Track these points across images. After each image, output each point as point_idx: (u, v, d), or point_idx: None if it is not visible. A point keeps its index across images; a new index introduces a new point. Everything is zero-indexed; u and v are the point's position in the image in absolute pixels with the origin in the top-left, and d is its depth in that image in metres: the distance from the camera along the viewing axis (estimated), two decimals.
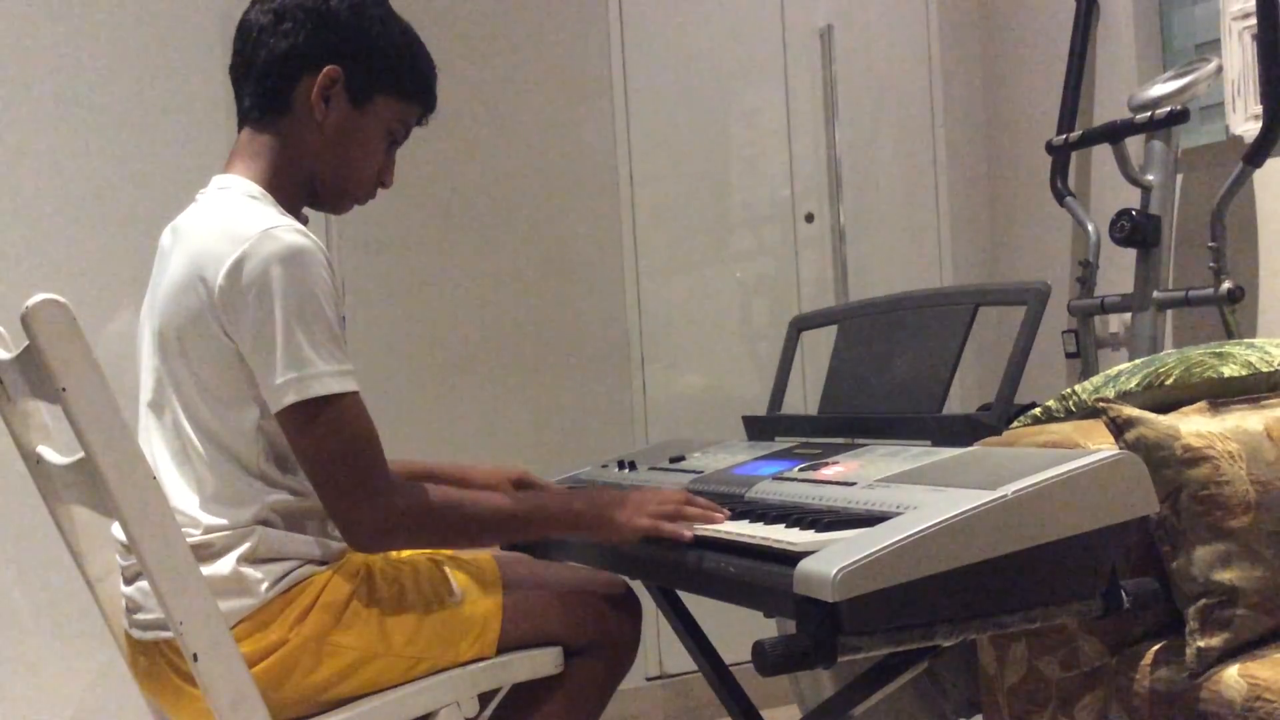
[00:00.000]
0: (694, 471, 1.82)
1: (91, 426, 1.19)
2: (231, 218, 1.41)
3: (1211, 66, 2.80)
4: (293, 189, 1.52)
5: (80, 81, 2.60)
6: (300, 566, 1.43)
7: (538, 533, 1.54)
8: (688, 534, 1.45)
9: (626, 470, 1.96)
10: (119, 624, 1.53)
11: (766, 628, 2.49)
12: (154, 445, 1.46)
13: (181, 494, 1.42)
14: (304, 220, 1.50)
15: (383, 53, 1.51)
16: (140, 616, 1.45)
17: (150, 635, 1.43)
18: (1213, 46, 2.92)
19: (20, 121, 2.55)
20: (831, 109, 3.35)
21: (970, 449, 1.60)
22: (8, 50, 2.53)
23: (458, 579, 1.51)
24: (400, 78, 1.54)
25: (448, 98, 1.63)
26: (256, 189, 1.48)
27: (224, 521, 1.40)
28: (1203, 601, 1.60)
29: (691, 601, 1.87)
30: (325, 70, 1.48)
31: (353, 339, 1.45)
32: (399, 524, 1.38)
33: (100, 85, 2.61)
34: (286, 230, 1.37)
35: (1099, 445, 1.68)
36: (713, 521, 1.46)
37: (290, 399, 1.34)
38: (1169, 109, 2.74)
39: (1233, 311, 2.69)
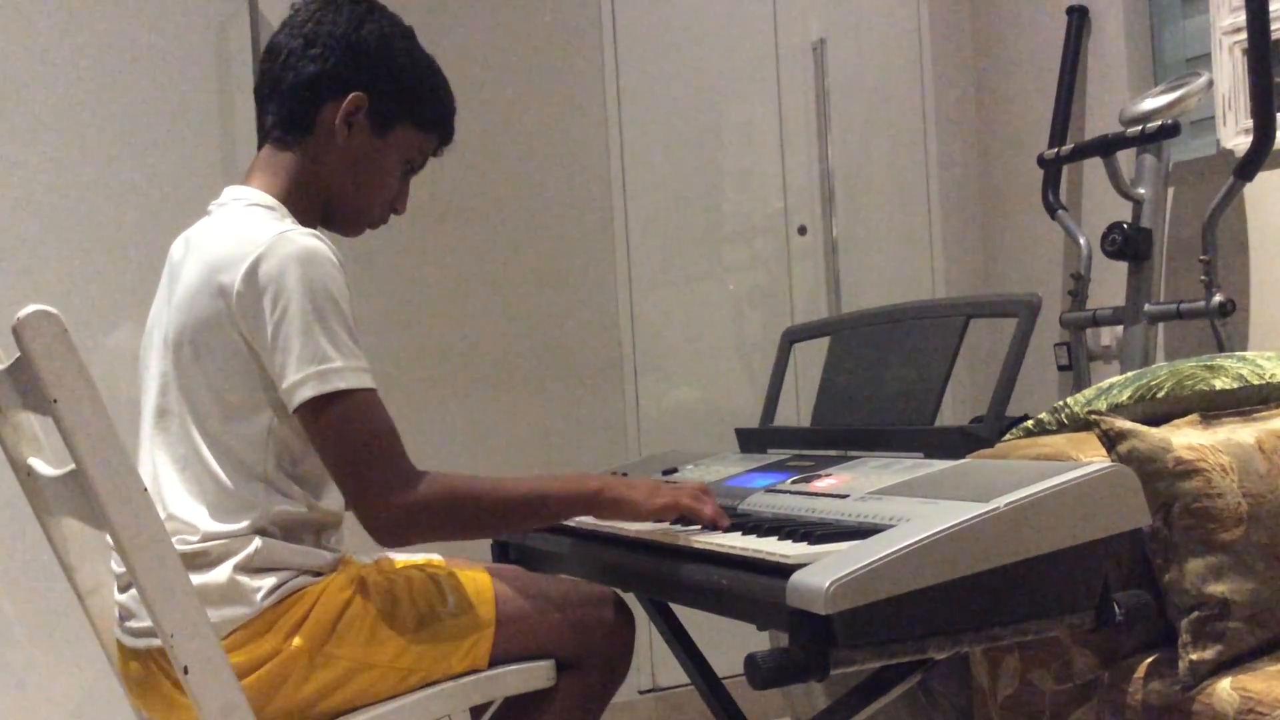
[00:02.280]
0: None
1: (83, 438, 1.18)
2: (246, 224, 1.44)
3: (1202, 81, 2.81)
4: (308, 207, 1.55)
5: (75, 94, 2.60)
6: (296, 577, 1.43)
7: (556, 515, 1.55)
8: (708, 511, 1.48)
9: None
10: (110, 636, 1.53)
11: (759, 641, 2.49)
12: (157, 453, 1.47)
13: (182, 501, 1.43)
14: None
15: (407, 84, 1.55)
16: (133, 624, 1.45)
17: (142, 643, 1.43)
18: (1203, 61, 2.94)
19: (16, 134, 2.55)
20: (824, 122, 3.36)
21: (962, 461, 1.60)
22: (4, 62, 2.53)
23: (451, 591, 1.51)
24: (421, 109, 1.57)
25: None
26: (272, 200, 1.51)
27: (223, 529, 1.41)
28: (1195, 614, 1.60)
29: (684, 614, 1.87)
30: (351, 96, 1.51)
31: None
32: (420, 516, 1.39)
33: (95, 97, 2.61)
34: (301, 234, 1.40)
35: (1091, 458, 1.68)
36: (718, 527, 1.48)
37: (309, 393, 1.35)
38: (1160, 123, 2.75)
39: (1224, 324, 2.70)
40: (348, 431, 1.37)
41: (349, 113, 1.51)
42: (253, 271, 1.37)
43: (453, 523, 1.43)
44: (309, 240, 1.39)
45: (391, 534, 1.39)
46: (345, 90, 1.51)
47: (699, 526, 1.51)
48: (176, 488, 1.44)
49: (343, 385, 1.36)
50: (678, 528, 1.53)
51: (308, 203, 1.54)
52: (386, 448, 1.38)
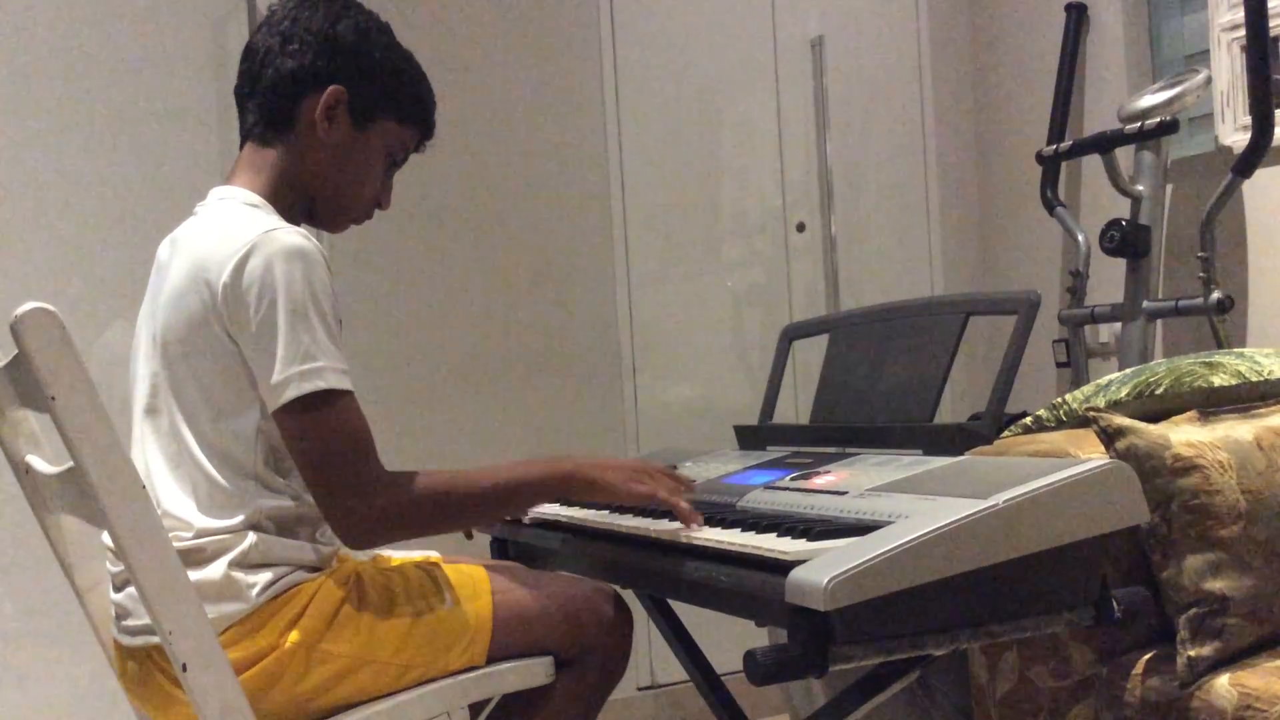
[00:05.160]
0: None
1: (81, 435, 1.18)
2: (232, 223, 1.44)
3: (1201, 77, 2.81)
4: (292, 203, 1.55)
5: (71, 92, 2.59)
6: (291, 573, 1.43)
7: (531, 501, 1.55)
8: (683, 504, 1.47)
9: None
10: (108, 634, 1.53)
11: (758, 637, 2.48)
12: (148, 451, 1.47)
13: (175, 498, 1.43)
14: None
15: (384, 77, 1.56)
16: (129, 623, 1.45)
17: (139, 641, 1.43)
18: (1202, 58, 2.93)
19: (12, 132, 2.54)
20: (823, 119, 3.36)
21: (961, 458, 1.60)
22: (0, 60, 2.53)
23: (448, 587, 1.51)
24: (400, 102, 1.58)
25: (440, 107, 1.65)
26: (257, 198, 1.51)
27: (216, 525, 1.41)
28: (1193, 611, 1.61)
29: (683, 611, 1.87)
30: (330, 90, 1.52)
31: (343, 349, 1.46)
32: (390, 519, 1.39)
33: (92, 95, 2.61)
34: (287, 231, 1.40)
35: (1090, 455, 1.68)
36: (695, 521, 1.47)
37: (291, 394, 1.35)
38: (1158, 120, 2.75)
39: (1222, 321, 2.70)
40: (321, 434, 1.37)
41: (329, 106, 1.52)
42: (238, 269, 1.38)
43: (422, 524, 1.43)
44: (295, 238, 1.39)
45: (359, 538, 1.40)
46: (324, 84, 1.52)
47: (677, 523, 1.50)
48: (169, 485, 1.44)
49: (323, 385, 1.36)
50: (660, 521, 1.53)
51: (292, 199, 1.55)
52: (356, 452, 1.38)
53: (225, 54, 2.72)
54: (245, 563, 1.40)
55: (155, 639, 1.39)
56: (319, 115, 1.52)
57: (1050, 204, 3.15)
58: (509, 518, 1.81)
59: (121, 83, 2.64)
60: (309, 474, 1.39)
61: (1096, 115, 3.19)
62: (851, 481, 1.55)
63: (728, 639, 2.09)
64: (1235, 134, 2.79)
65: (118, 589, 1.48)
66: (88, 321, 2.55)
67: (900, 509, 1.35)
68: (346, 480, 1.37)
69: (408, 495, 1.40)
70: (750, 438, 2.14)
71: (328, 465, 1.37)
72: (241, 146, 1.57)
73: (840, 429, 1.94)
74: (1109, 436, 1.67)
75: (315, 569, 1.46)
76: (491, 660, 1.51)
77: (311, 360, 1.36)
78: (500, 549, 1.93)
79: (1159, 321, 2.92)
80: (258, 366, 1.38)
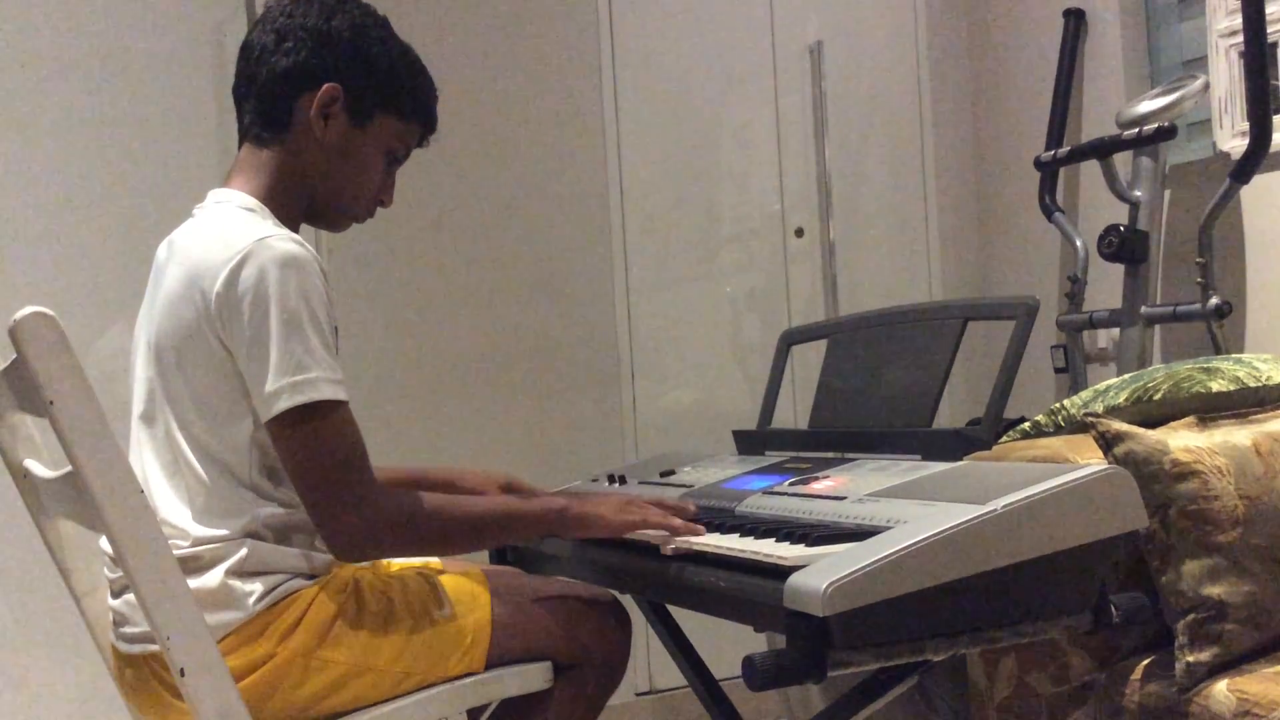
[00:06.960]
0: (684, 486, 1.82)
1: (79, 440, 1.18)
2: (227, 228, 1.43)
3: (1199, 83, 2.81)
4: (291, 204, 1.53)
5: (71, 95, 2.59)
6: (289, 580, 1.43)
7: (523, 534, 1.55)
8: (677, 522, 1.48)
9: (616, 484, 1.96)
10: (106, 638, 1.53)
11: (756, 642, 2.48)
12: (145, 457, 1.47)
13: (171, 505, 1.42)
14: None
15: (382, 72, 1.54)
16: (127, 630, 1.44)
17: (137, 648, 1.43)
18: (1200, 64, 2.94)
19: (13, 136, 2.54)
20: (821, 124, 3.36)
21: (960, 463, 1.60)
22: (2, 64, 2.53)
23: (447, 593, 1.51)
24: (399, 97, 1.56)
25: (439, 111, 1.64)
26: (253, 202, 1.50)
27: (213, 533, 1.40)
28: (1192, 616, 1.61)
29: (681, 616, 1.87)
30: (325, 88, 1.50)
31: (342, 354, 1.45)
32: (382, 533, 1.38)
33: (92, 99, 2.61)
34: (281, 239, 1.39)
35: (1088, 460, 1.68)
36: (695, 534, 1.48)
37: (283, 405, 1.34)
38: (1156, 125, 2.76)
39: (1220, 327, 2.70)
40: (315, 445, 1.35)
41: (324, 104, 1.50)
42: (232, 277, 1.36)
43: (413, 541, 1.42)
44: (289, 245, 1.38)
45: (350, 550, 1.39)
46: (319, 82, 1.50)
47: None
48: (166, 492, 1.43)
49: (317, 396, 1.35)
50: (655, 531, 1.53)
51: (290, 200, 1.53)
52: (350, 464, 1.37)
53: (225, 56, 2.72)
54: (242, 571, 1.40)
55: (153, 646, 1.39)
56: (314, 114, 1.50)
57: (1048, 209, 3.15)
58: (496, 548, 1.81)
59: (122, 84, 2.64)
60: (301, 485, 1.37)
61: (1095, 121, 3.19)
62: (850, 486, 1.55)
63: (726, 644, 2.09)
64: (1233, 139, 2.79)
65: (115, 595, 1.48)
66: (87, 324, 2.55)
67: (899, 514, 1.35)
68: (339, 492, 1.36)
69: (400, 512, 1.39)
70: (749, 442, 2.14)
71: (321, 477, 1.36)
72: (240, 147, 1.56)
73: (839, 434, 1.94)
74: (1107, 442, 1.68)
75: (312, 577, 1.45)
76: (490, 666, 1.50)
77: (304, 371, 1.35)
78: (499, 554, 1.93)
79: (1157, 327, 2.92)
80: (251, 376, 1.37)
